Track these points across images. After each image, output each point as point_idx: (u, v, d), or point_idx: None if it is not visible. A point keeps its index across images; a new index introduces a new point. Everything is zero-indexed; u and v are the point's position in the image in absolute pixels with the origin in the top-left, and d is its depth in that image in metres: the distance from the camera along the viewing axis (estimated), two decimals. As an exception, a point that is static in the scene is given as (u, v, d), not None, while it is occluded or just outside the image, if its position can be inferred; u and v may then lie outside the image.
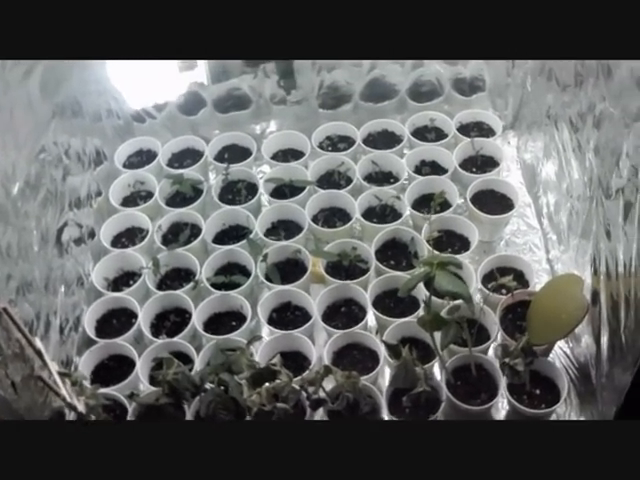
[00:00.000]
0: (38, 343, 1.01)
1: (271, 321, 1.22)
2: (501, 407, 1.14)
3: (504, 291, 1.18)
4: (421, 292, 1.19)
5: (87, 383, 1.12)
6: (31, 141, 1.15)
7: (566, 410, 1.12)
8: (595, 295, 1.06)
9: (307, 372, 1.10)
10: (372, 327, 1.23)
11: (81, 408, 1.05)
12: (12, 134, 1.08)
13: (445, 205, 1.30)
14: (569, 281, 1.09)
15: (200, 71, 1.48)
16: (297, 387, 1.06)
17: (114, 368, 1.19)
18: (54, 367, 1.03)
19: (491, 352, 1.18)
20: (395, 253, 1.29)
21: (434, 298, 1.07)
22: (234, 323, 1.22)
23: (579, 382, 1.15)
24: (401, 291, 1.05)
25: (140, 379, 1.15)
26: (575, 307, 1.04)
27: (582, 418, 1.12)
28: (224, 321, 1.23)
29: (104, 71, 1.44)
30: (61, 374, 1.03)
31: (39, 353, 1.01)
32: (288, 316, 1.23)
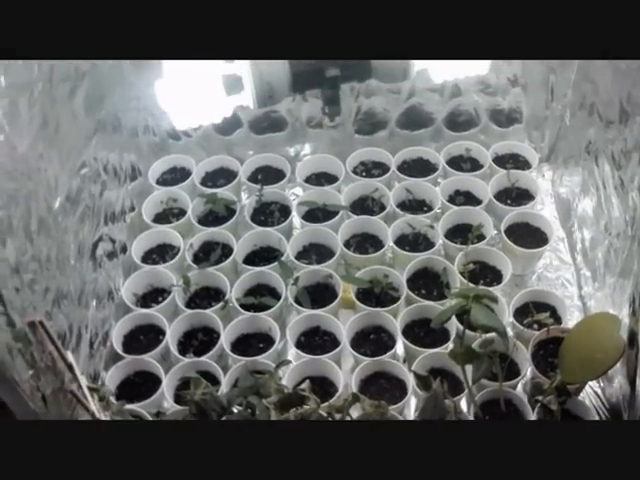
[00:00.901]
0: (70, 357, 1.01)
1: (299, 345, 1.21)
2: (529, 445, 1.12)
3: (536, 326, 1.17)
4: (452, 323, 1.18)
5: (113, 399, 1.12)
6: (74, 156, 1.16)
7: (596, 451, 1.10)
8: (633, 335, 1.04)
9: (334, 398, 1.09)
10: (400, 356, 1.22)
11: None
12: (57, 149, 1.09)
13: (479, 236, 1.30)
14: (605, 320, 1.08)
15: (246, 95, 1.49)
16: (324, 414, 1.05)
17: (140, 384, 1.19)
18: (84, 381, 1.03)
19: (519, 388, 1.16)
20: (426, 282, 1.28)
21: (466, 331, 1.06)
22: (261, 345, 1.22)
23: (610, 423, 1.12)
24: (434, 322, 1.05)
25: (165, 397, 1.15)
26: (611, 347, 1.02)
27: (612, 460, 1.09)
28: (252, 342, 1.23)
29: (147, 89, 1.45)
30: (90, 389, 1.04)
31: (70, 367, 1.01)
32: (316, 341, 1.22)
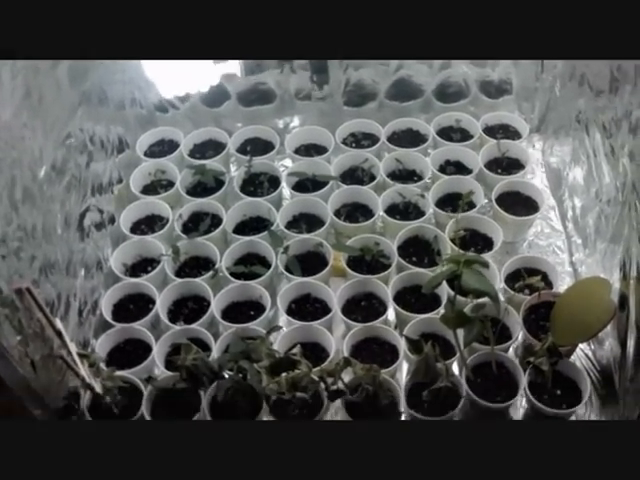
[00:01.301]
0: (58, 324, 1.01)
1: (290, 312, 1.20)
2: (520, 405, 1.12)
3: (527, 292, 1.17)
4: (443, 290, 1.18)
5: (103, 365, 1.11)
6: (58, 127, 1.15)
7: (586, 412, 1.10)
8: (623, 299, 1.05)
9: (326, 363, 1.08)
10: (392, 322, 1.22)
11: (98, 389, 1.04)
12: (41, 119, 1.08)
13: (470, 205, 1.29)
14: (596, 284, 1.08)
15: (234, 63, 1.48)
16: (316, 378, 1.05)
17: (130, 352, 1.18)
18: (73, 348, 1.02)
19: (511, 352, 1.16)
20: (417, 250, 1.28)
21: (457, 296, 1.06)
22: (252, 313, 1.21)
23: (600, 385, 1.13)
24: (425, 287, 1.04)
25: (156, 363, 1.14)
26: (602, 310, 1.03)
27: (602, 419, 1.10)
28: (242, 310, 1.22)
29: (131, 61, 1.44)
30: (80, 355, 1.03)
31: (59, 333, 1.00)
32: (307, 308, 1.22)
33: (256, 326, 1.15)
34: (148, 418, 1.09)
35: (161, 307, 1.21)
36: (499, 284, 1.19)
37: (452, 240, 1.23)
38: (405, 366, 1.17)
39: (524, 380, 1.06)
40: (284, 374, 1.02)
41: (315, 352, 1.15)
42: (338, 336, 1.19)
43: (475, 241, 1.29)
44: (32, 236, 1.03)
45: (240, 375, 1.04)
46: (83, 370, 1.01)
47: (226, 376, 1.05)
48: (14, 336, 0.91)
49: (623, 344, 1.05)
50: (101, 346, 1.16)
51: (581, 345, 1.16)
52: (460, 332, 1.06)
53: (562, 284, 1.23)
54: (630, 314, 1.02)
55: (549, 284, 1.20)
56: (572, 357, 1.15)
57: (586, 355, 1.17)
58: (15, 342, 0.90)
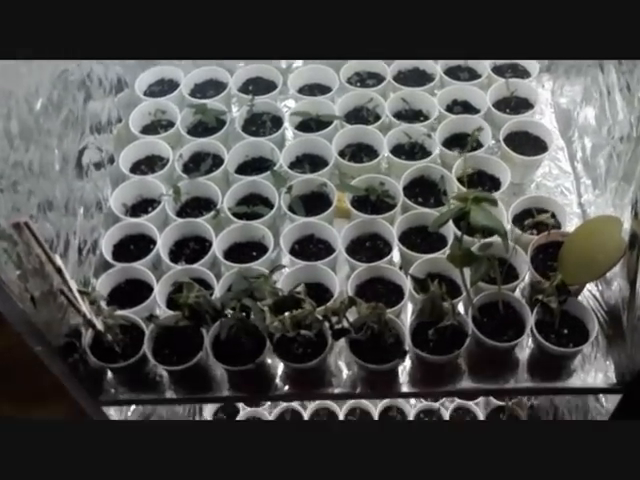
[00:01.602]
0: (58, 260, 0.99)
1: (293, 253, 1.19)
2: (526, 346, 1.11)
3: (535, 232, 1.15)
4: (449, 231, 1.16)
5: (104, 304, 1.10)
6: (54, 61, 1.12)
7: (593, 351, 1.09)
8: (634, 238, 1.03)
9: (331, 302, 1.07)
10: (397, 263, 1.20)
11: (99, 326, 1.03)
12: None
13: (477, 144, 1.26)
14: (607, 222, 1.06)
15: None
16: (320, 317, 1.04)
17: (131, 292, 1.16)
18: (73, 284, 1.01)
19: (518, 293, 1.15)
20: (423, 191, 1.25)
21: (464, 236, 1.04)
22: (255, 253, 1.19)
23: (607, 325, 1.12)
24: (432, 225, 1.02)
25: (157, 303, 1.13)
26: (613, 248, 1.01)
27: (609, 360, 1.09)
28: (245, 251, 1.20)
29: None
30: (80, 292, 1.01)
31: (59, 270, 0.99)
32: (311, 249, 1.20)
33: (259, 266, 1.13)
34: (150, 357, 1.08)
35: (162, 247, 1.19)
36: (506, 225, 1.17)
37: (459, 179, 1.20)
38: (410, 307, 1.16)
39: (531, 320, 1.05)
40: (288, 312, 1.02)
41: (319, 293, 1.13)
42: (342, 277, 1.17)
43: (482, 181, 1.26)
44: (30, 171, 1.01)
45: (243, 313, 1.03)
46: (84, 306, 1.00)
47: (229, 315, 1.04)
48: (13, 271, 0.89)
49: (633, 283, 1.03)
50: (102, 286, 1.15)
51: (588, 286, 1.15)
52: (466, 272, 1.05)
53: (570, 225, 1.21)
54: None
55: (557, 225, 1.17)
56: (579, 297, 1.13)
57: (593, 296, 1.15)
58: (14, 277, 0.89)
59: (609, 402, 1.18)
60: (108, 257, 1.19)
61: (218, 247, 1.18)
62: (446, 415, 1.81)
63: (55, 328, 1.01)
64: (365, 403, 1.85)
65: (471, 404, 1.82)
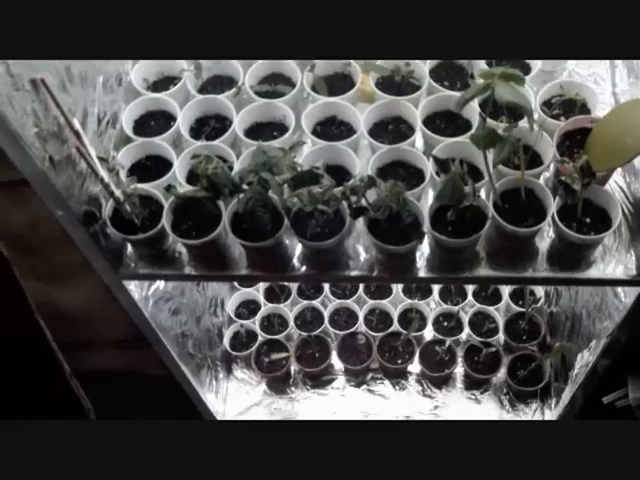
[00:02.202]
0: (76, 124, 0.99)
1: (315, 134, 1.17)
2: (547, 236, 1.10)
3: (563, 119, 1.12)
4: (474, 114, 1.13)
5: (123, 174, 1.10)
6: None
7: (615, 242, 1.08)
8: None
9: (351, 181, 1.05)
10: (420, 149, 1.18)
11: (118, 193, 1.03)
12: None
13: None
14: (637, 105, 1.02)
15: None
16: (338, 195, 1.03)
17: (151, 168, 1.16)
18: (92, 151, 1.01)
19: (542, 181, 1.12)
20: (450, 75, 1.21)
21: (489, 120, 1.02)
22: (275, 134, 1.17)
23: (632, 217, 1.10)
24: (457, 104, 0.99)
25: (177, 179, 1.12)
26: (642, 132, 0.98)
27: (631, 252, 1.07)
28: (266, 131, 1.18)
29: None
30: (99, 158, 1.01)
31: (77, 134, 0.98)
32: (333, 130, 1.18)
33: (279, 144, 1.12)
34: (169, 230, 1.09)
35: (182, 124, 1.17)
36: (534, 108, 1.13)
37: (488, 63, 1.16)
38: (431, 193, 1.14)
39: (553, 206, 1.03)
40: (306, 188, 1.01)
41: (339, 175, 1.12)
42: (364, 162, 1.15)
43: (511, 66, 1.21)
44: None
45: (261, 187, 1.02)
46: (103, 172, 1.00)
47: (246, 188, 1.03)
48: (31, 128, 0.88)
49: (661, 172, 1.01)
50: (122, 159, 1.14)
51: (616, 177, 1.12)
52: (490, 156, 1.03)
53: (601, 114, 1.17)
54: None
55: (587, 111, 1.14)
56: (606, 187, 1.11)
57: (620, 187, 1.12)
58: (32, 133, 0.88)
59: (627, 297, 1.17)
60: (129, 132, 1.18)
61: (239, 125, 1.16)
62: (465, 319, 1.82)
63: (75, 195, 1.01)
64: (384, 304, 1.87)
65: (491, 309, 1.83)
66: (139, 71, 1.24)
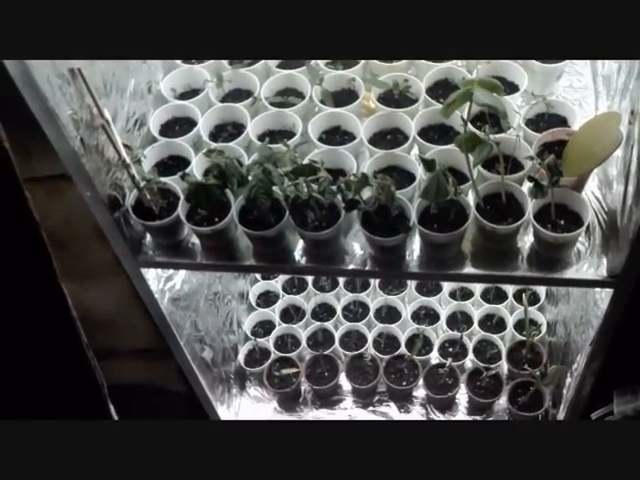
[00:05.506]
0: (107, 113, 1.12)
1: (320, 141, 1.29)
2: (527, 239, 1.20)
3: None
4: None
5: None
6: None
7: (589, 247, 1.17)
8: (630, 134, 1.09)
9: (346, 178, 1.17)
10: (415, 155, 1.29)
11: (139, 179, 1.16)
12: None
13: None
14: (607, 117, 1.13)
15: None
16: (335, 189, 1.14)
17: (172, 166, 1.29)
18: (119, 139, 1.14)
19: (524, 189, 1.22)
20: (445, 93, 1.32)
21: (474, 130, 1.13)
22: (286, 140, 1.30)
23: (606, 225, 1.18)
24: (442, 111, 1.11)
25: (194, 175, 1.25)
26: (609, 140, 1.07)
27: (603, 257, 1.16)
28: (276, 138, 1.31)
29: None
30: (125, 145, 1.15)
31: (107, 122, 1.12)
32: (336, 139, 1.30)
33: (287, 148, 1.24)
34: (183, 218, 1.21)
35: (203, 129, 1.31)
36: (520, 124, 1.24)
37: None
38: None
39: (530, 207, 1.13)
40: (304, 177, 1.13)
41: (340, 176, 1.23)
42: (363, 166, 1.27)
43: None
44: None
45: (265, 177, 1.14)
46: (127, 158, 1.13)
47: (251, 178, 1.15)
48: (66, 110, 1.02)
49: (626, 182, 1.10)
50: (147, 158, 1.28)
51: (593, 189, 1.21)
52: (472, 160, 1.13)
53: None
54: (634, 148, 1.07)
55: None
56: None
57: (596, 198, 1.22)
58: (66, 114, 1.02)
59: (604, 302, 1.24)
60: (155, 133, 1.32)
61: (252, 131, 1.30)
62: (470, 345, 1.89)
63: (102, 179, 1.14)
64: (393, 328, 1.95)
65: (495, 337, 1.89)
66: (168, 82, 1.39)
